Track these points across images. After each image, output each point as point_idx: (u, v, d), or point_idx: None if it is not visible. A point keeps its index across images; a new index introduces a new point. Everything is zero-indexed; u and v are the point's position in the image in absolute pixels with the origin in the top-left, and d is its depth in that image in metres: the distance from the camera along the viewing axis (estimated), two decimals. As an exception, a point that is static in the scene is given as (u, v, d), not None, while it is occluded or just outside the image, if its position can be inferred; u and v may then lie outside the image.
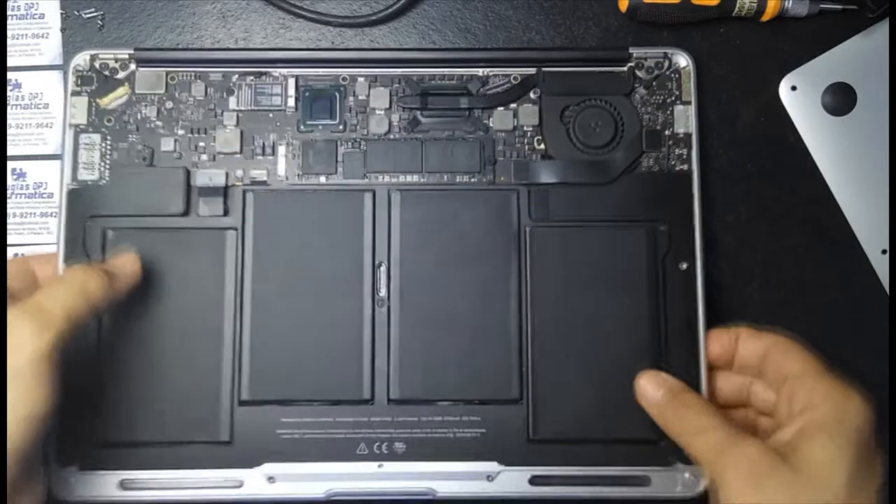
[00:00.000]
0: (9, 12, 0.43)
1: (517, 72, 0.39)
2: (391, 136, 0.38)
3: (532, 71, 0.39)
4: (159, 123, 0.38)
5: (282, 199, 0.38)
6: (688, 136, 0.39)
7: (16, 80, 0.43)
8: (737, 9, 0.41)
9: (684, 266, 0.37)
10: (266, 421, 0.36)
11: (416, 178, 0.38)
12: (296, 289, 0.37)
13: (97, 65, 0.39)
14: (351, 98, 0.39)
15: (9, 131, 0.43)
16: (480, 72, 0.39)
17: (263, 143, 0.38)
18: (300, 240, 0.37)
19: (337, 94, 0.39)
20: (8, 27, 0.43)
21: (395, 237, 0.37)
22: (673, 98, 0.39)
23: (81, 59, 0.39)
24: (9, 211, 0.42)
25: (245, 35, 0.42)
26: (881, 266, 0.42)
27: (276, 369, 0.37)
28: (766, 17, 0.41)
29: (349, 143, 0.38)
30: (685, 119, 0.39)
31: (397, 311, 0.37)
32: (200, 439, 0.36)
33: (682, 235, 0.38)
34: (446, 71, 0.39)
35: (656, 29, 0.42)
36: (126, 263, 0.35)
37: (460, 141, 0.38)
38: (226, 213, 0.38)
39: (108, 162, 0.38)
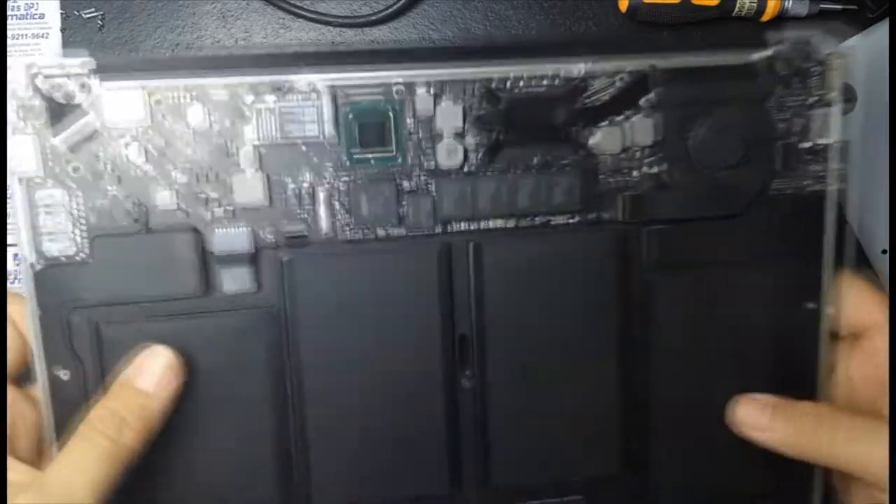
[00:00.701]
0: (9, 12, 0.43)
1: (624, 66, 0.29)
2: (466, 169, 0.29)
3: (640, 66, 0.29)
4: (149, 169, 0.28)
5: (329, 264, 0.29)
6: (826, 147, 0.30)
7: (16, 80, 0.43)
8: (737, 9, 0.41)
9: (811, 306, 0.31)
10: None
11: (501, 223, 0.30)
12: (359, 374, 0.30)
13: (43, 86, 0.27)
14: (410, 118, 0.29)
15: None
16: (576, 69, 0.29)
17: (299, 190, 0.29)
18: (359, 313, 0.29)
19: (391, 113, 0.28)
20: (8, 27, 0.43)
21: (482, 300, 0.30)
22: (813, 99, 0.30)
23: (18, 78, 0.26)
24: (9, 211, 0.42)
25: (245, 35, 0.42)
26: (881, 266, 0.42)
27: (345, 470, 0.30)
28: (766, 17, 0.41)
29: (413, 182, 0.29)
30: (827, 126, 0.30)
31: (486, 389, 0.31)
32: None
33: (812, 270, 0.31)
34: (532, 68, 0.29)
35: (656, 29, 0.42)
36: (165, 378, 0.27)
37: (556, 171, 0.30)
38: (258, 287, 0.29)
39: (83, 229, 0.28)
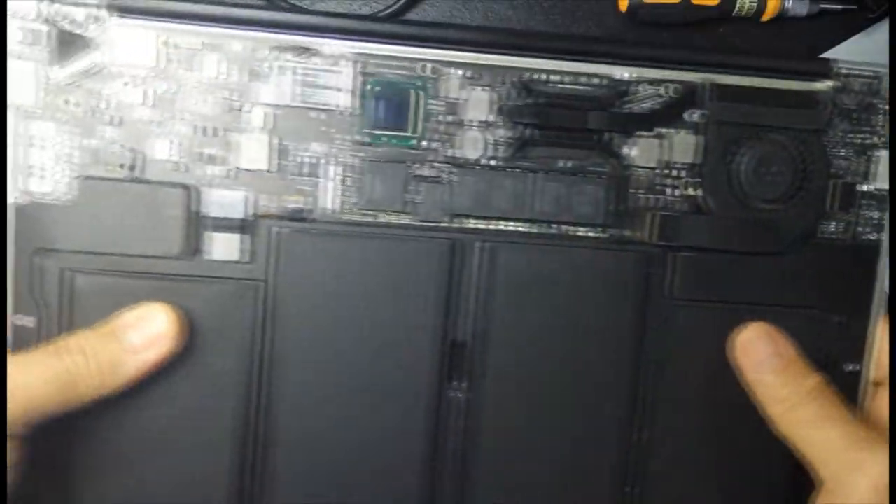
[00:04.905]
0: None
1: (672, 77, 0.28)
2: (487, 163, 0.28)
3: (692, 78, 0.28)
4: (148, 114, 0.26)
5: (327, 245, 0.27)
6: (885, 194, 0.29)
7: (15, 80, 0.43)
8: (737, 9, 0.41)
9: (850, 368, 0.29)
10: None
11: (518, 226, 0.28)
12: (342, 373, 0.28)
13: (49, 11, 0.25)
14: (434, 100, 0.27)
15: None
16: (619, 74, 0.28)
17: (308, 160, 0.27)
18: (350, 303, 0.27)
19: (415, 93, 0.27)
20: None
21: (487, 307, 0.28)
22: (876, 139, 0.29)
23: (28, 5, 0.25)
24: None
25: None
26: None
27: (304, 471, 0.28)
28: (766, 17, 0.41)
29: (428, 169, 0.27)
30: (888, 170, 0.29)
31: (480, 408, 0.28)
32: None
33: (857, 329, 0.29)
34: (574, 66, 0.28)
35: (656, 29, 0.42)
36: (156, 343, 0.25)
37: (584, 179, 0.28)
38: (250, 258, 0.27)
39: (68, 168, 0.26)
